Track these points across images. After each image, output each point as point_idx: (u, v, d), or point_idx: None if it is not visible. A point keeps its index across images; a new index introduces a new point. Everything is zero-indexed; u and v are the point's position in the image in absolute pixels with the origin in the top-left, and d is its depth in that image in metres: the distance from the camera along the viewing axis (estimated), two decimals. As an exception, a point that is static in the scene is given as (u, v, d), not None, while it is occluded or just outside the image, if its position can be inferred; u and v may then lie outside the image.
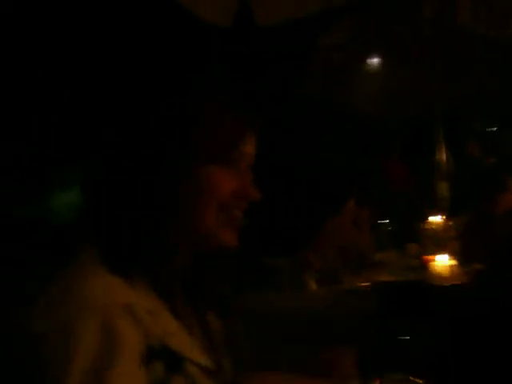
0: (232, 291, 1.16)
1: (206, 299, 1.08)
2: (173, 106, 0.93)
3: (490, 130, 5.28)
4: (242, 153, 0.97)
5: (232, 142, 0.95)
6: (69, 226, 1.03)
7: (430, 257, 3.18)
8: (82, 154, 1.02)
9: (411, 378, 1.01)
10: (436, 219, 3.69)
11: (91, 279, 0.87)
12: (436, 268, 3.07)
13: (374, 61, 4.17)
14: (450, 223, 3.56)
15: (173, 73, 0.93)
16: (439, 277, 2.95)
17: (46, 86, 3.75)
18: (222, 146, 0.94)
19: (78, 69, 3.24)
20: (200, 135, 0.93)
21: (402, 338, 1.73)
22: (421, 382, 1.01)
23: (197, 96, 0.94)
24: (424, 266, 3.16)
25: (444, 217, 3.71)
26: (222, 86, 0.96)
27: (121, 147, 0.93)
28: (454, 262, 3.08)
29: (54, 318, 0.83)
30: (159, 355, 0.88)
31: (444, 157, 4.33)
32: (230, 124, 0.95)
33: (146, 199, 0.91)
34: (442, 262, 3.09)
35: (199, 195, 0.93)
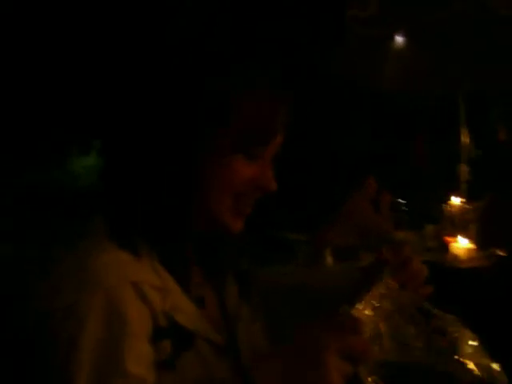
0: (249, 266, 1.16)
1: (223, 270, 1.07)
2: (208, 89, 0.88)
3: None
4: (271, 144, 0.94)
5: (265, 136, 0.92)
6: (83, 194, 1.02)
7: (451, 238, 3.16)
8: (104, 122, 0.99)
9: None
10: (455, 202, 3.67)
11: (98, 256, 0.86)
12: (455, 250, 3.05)
13: (400, 38, 4.11)
14: (469, 206, 3.53)
15: (209, 55, 0.89)
16: (458, 259, 2.93)
17: (74, 58, 3.76)
18: (253, 138, 0.90)
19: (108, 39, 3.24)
20: (233, 124, 0.88)
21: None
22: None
23: (235, 80, 0.89)
24: (442, 248, 3.14)
25: (463, 200, 3.68)
26: (261, 69, 0.92)
27: (144, 120, 0.90)
28: (472, 246, 3.06)
29: (60, 297, 0.83)
30: (167, 333, 0.87)
31: (467, 139, 4.28)
32: (267, 114, 0.90)
33: (162, 176, 0.89)
34: (462, 245, 3.07)
35: (216, 182, 0.90)
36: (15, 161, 4.56)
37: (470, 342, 0.94)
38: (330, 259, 2.48)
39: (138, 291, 0.85)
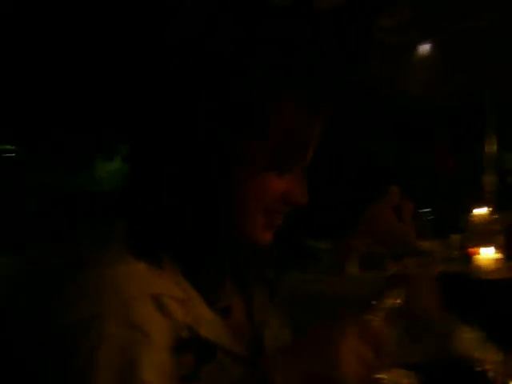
0: (276, 273, 1.15)
1: (251, 279, 1.06)
2: (245, 100, 0.84)
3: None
4: (304, 159, 0.91)
5: (301, 151, 0.89)
6: (106, 198, 1.01)
7: (474, 249, 3.12)
8: (133, 128, 0.97)
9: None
10: (481, 211, 3.62)
11: (118, 267, 0.85)
12: (480, 261, 3.02)
13: (427, 46, 4.09)
14: (496, 216, 3.49)
15: (243, 62, 0.86)
16: (484, 270, 2.90)
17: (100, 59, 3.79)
18: (289, 153, 0.87)
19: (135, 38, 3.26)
20: (270, 138, 0.85)
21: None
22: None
23: (272, 91, 0.84)
24: (467, 258, 3.11)
25: (490, 209, 3.63)
26: (299, 79, 0.89)
27: (174, 128, 0.87)
28: (499, 256, 3.02)
29: (79, 310, 0.82)
30: (190, 345, 0.86)
31: (494, 148, 4.24)
32: (305, 127, 0.87)
33: (190, 187, 0.87)
34: (487, 255, 3.03)
35: (247, 197, 0.87)
36: (42, 164, 4.62)
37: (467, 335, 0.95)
38: (355, 267, 2.48)
39: (158, 303, 0.84)
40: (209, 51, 0.86)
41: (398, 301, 0.92)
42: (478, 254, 3.06)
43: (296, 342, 0.86)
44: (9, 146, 4.89)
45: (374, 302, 0.92)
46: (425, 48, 4.11)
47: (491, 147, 4.25)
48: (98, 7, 3.53)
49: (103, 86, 3.84)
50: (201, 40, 0.88)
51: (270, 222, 0.91)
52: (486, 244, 3.10)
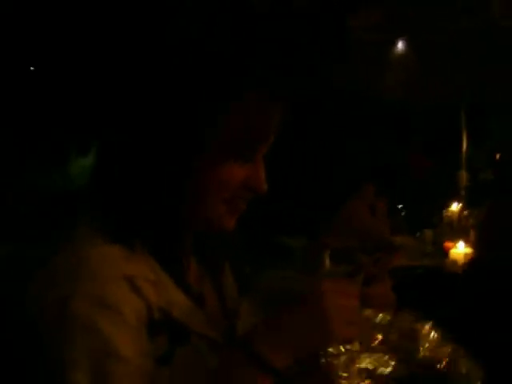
0: (250, 269, 1.15)
1: (219, 264, 1.06)
2: (207, 91, 0.86)
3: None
4: (264, 147, 0.93)
5: (259, 140, 0.91)
6: (76, 193, 1.01)
7: (450, 244, 3.18)
8: (100, 122, 0.98)
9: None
10: (454, 208, 3.69)
11: (93, 249, 0.86)
12: (453, 255, 3.07)
13: (401, 46, 4.12)
14: (467, 212, 3.55)
15: (210, 56, 0.87)
16: (457, 265, 2.95)
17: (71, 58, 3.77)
18: (247, 142, 0.89)
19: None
20: (229, 128, 0.87)
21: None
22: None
23: (234, 88, 0.87)
24: (440, 253, 3.16)
25: (461, 206, 3.70)
26: (261, 76, 0.90)
27: (142, 120, 0.88)
28: (469, 251, 3.07)
29: (54, 289, 0.83)
30: (163, 327, 0.87)
31: (464, 147, 4.30)
32: (262, 117, 0.89)
33: (157, 176, 0.88)
34: (460, 250, 3.09)
35: (208, 186, 0.89)
36: (15, 161, 4.56)
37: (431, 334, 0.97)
38: (327, 262, 2.49)
39: (131, 285, 0.85)
40: (168, 46, 0.88)
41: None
42: (453, 248, 3.11)
43: (277, 314, 0.86)
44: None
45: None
46: (399, 48, 4.14)
47: (464, 145, 4.32)
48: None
49: (73, 79, 3.82)
50: (161, 35, 0.90)
51: (233, 209, 0.93)
52: (457, 239, 3.16)
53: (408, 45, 4.18)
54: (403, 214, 3.92)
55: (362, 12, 3.75)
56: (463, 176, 4.17)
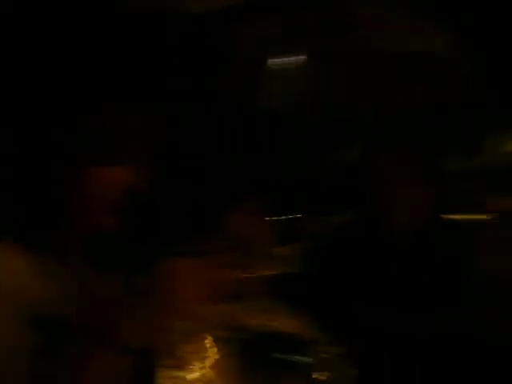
0: (130, 273, 1.18)
1: (102, 264, 1.08)
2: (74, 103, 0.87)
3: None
4: (141, 153, 0.98)
5: (134, 145, 0.96)
6: None
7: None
8: None
9: None
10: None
11: None
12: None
13: (294, 59, 4.15)
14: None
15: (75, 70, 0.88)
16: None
17: None
18: (118, 151, 0.95)
19: None
20: (103, 137, 0.90)
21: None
22: None
23: (100, 97, 0.89)
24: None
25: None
26: (131, 82, 0.93)
27: (17, 122, 0.89)
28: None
29: None
30: (46, 321, 0.91)
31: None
32: (136, 125, 0.93)
33: (33, 183, 0.93)
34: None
35: (87, 192, 0.95)
36: None
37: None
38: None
39: (15, 278, 0.90)
40: None
41: None
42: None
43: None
44: None
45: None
46: (293, 61, 4.16)
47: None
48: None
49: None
50: None
51: (114, 210, 0.96)
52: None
53: (301, 58, 4.21)
54: (286, 224, 4.02)
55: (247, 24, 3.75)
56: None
